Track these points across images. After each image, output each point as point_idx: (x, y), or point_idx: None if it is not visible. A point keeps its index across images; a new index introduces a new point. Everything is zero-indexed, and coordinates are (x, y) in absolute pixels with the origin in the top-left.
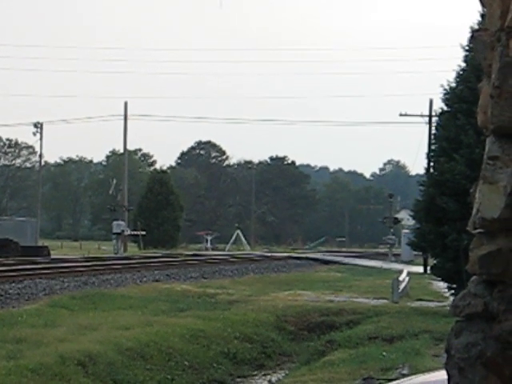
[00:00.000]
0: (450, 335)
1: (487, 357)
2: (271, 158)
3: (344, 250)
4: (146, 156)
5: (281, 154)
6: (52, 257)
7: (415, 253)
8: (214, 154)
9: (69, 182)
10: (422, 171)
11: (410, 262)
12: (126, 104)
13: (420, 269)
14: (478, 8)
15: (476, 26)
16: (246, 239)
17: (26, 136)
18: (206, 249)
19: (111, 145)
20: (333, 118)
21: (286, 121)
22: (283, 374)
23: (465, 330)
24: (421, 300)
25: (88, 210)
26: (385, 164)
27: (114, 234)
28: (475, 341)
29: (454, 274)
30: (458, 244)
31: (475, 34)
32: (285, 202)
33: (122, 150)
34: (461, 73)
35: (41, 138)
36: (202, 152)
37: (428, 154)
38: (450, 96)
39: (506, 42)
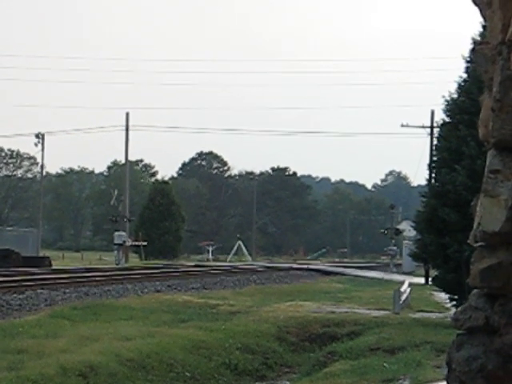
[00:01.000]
0: (450, 348)
1: (488, 370)
2: (273, 169)
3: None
4: (148, 167)
5: (282, 165)
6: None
7: (416, 264)
8: (215, 165)
9: (70, 193)
10: (423, 182)
11: (411, 273)
12: (127, 115)
13: (421, 280)
14: (480, 19)
15: (477, 37)
16: (247, 250)
17: (27, 147)
18: (208, 260)
19: (113, 155)
20: (334, 129)
21: (287, 131)
22: None
23: (466, 344)
24: (422, 311)
25: (89, 221)
26: (386, 175)
27: (116, 244)
28: (476, 354)
29: (456, 285)
30: (459, 255)
31: (476, 47)
32: (286, 212)
33: (123, 161)
34: (462, 84)
35: (42, 149)
36: (203, 163)
37: (429, 165)
38: (452, 107)
39: (507, 55)
